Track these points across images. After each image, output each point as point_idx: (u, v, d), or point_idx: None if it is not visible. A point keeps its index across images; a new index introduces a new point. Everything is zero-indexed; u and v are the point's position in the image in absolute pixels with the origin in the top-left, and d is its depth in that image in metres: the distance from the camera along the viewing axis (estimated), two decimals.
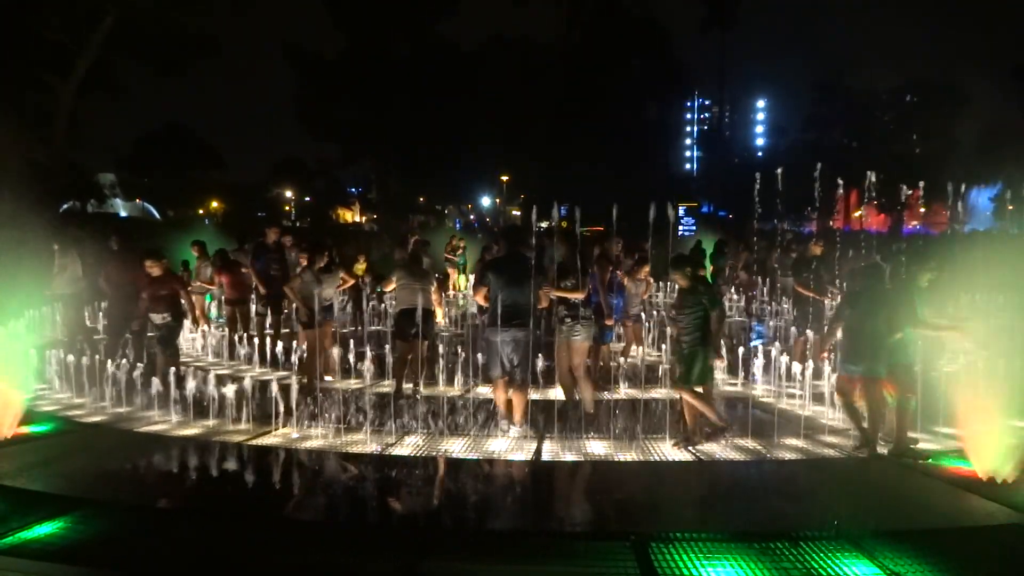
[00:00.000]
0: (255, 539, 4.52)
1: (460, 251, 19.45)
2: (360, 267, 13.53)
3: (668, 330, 9.79)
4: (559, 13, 41.09)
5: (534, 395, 7.51)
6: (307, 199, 69.60)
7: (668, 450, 6.41)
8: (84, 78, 29.21)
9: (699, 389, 6.54)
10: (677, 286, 6.80)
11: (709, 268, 16.66)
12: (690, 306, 6.47)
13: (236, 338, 10.81)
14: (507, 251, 7.13)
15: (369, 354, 8.46)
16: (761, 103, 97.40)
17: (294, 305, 9.24)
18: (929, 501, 5.30)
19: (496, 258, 7.27)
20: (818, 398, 7.68)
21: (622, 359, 9.01)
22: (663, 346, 9.92)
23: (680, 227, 39.28)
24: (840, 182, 12.29)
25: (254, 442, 6.53)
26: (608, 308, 8.34)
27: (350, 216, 69.12)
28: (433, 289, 8.39)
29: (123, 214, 50.06)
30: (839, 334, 6.67)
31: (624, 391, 8.49)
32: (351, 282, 10.49)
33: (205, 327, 11.73)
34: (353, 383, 8.78)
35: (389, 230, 34.51)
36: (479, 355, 7.90)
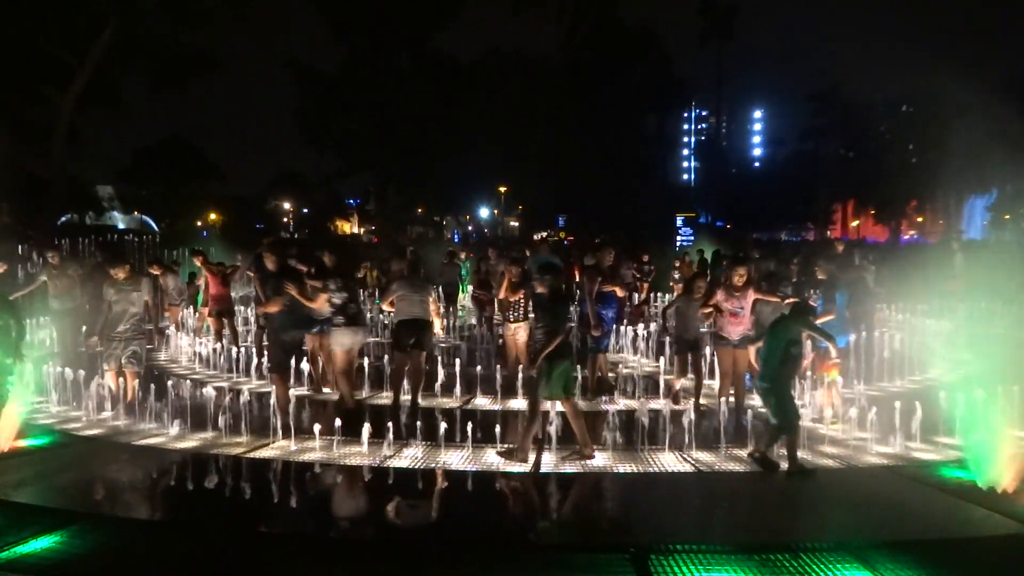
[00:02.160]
0: (252, 552, 4.50)
1: (462, 261, 19.46)
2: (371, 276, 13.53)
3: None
4: (560, 23, 41.35)
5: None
6: (305, 211, 69.74)
7: (667, 462, 6.38)
8: (83, 91, 29.31)
9: (578, 402, 6.44)
10: (537, 295, 6.41)
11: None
12: (548, 318, 6.21)
13: (223, 348, 10.70)
14: (279, 265, 7.69)
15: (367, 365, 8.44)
16: (758, 114, 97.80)
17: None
18: (929, 511, 5.28)
19: (277, 271, 7.70)
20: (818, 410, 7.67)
21: (692, 402, 7.86)
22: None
23: (678, 237, 39.37)
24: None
25: (251, 455, 6.50)
26: (595, 318, 8.48)
27: (348, 228, 69.25)
28: (432, 300, 8.37)
29: (121, 226, 50.13)
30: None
31: (623, 402, 8.46)
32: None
33: (194, 337, 11.69)
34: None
35: (387, 241, 34.56)
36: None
